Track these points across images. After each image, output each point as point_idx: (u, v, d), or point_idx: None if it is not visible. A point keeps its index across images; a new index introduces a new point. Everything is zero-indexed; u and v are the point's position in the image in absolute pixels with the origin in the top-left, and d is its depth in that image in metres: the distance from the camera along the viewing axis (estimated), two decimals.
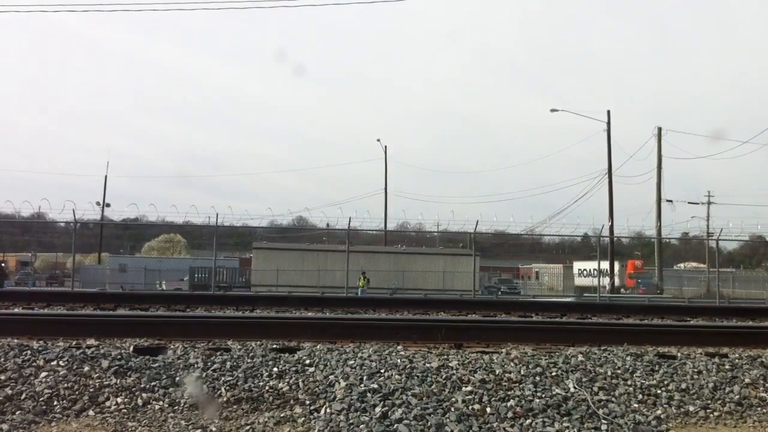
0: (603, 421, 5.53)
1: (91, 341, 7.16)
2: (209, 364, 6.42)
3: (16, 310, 10.96)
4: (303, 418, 5.54)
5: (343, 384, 5.99)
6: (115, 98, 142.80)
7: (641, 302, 27.58)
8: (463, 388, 5.97)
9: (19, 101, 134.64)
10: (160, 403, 5.76)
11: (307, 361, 6.56)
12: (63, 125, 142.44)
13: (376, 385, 5.92)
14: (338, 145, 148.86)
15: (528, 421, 5.48)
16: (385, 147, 52.36)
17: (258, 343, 7.32)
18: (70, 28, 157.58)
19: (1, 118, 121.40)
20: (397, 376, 6.14)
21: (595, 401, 5.87)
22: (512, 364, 6.61)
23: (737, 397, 6.31)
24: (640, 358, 7.09)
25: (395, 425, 5.29)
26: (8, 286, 27.67)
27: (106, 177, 55.80)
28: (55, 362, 6.26)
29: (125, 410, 5.64)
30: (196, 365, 6.37)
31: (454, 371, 6.32)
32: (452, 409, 5.58)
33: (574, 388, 6.10)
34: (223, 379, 6.15)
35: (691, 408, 6.07)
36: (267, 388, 6.04)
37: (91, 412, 5.60)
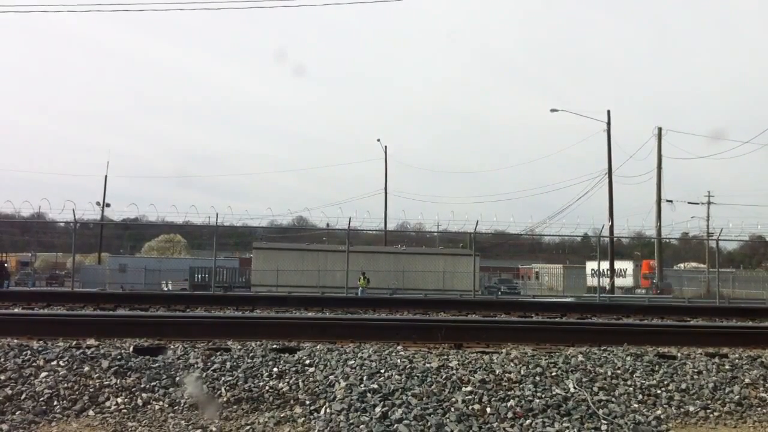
0: (603, 421, 5.54)
1: (91, 341, 7.16)
2: (209, 364, 6.42)
3: (16, 310, 10.96)
4: (303, 418, 5.54)
5: (343, 384, 5.99)
6: (115, 98, 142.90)
7: (641, 302, 27.57)
8: (463, 388, 5.97)
9: (19, 101, 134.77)
10: (160, 403, 5.76)
11: (307, 361, 6.56)
12: (63, 125, 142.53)
13: (376, 385, 5.92)
14: (338, 145, 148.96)
15: (528, 421, 5.48)
16: (385, 147, 52.43)
17: (258, 343, 7.32)
18: (70, 28, 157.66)
19: (1, 118, 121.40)
20: (397, 377, 6.14)
21: (595, 401, 5.87)
22: (512, 365, 6.61)
23: (737, 397, 6.31)
24: (640, 358, 7.09)
25: (395, 425, 5.29)
26: (6, 287, 27.64)
27: (106, 177, 55.87)
28: (55, 362, 6.26)
29: (125, 410, 5.64)
30: (196, 365, 6.37)
31: (454, 371, 6.32)
32: (452, 409, 5.58)
33: (574, 388, 6.10)
34: (223, 379, 6.15)
35: (691, 408, 6.07)
36: (267, 388, 6.04)
37: (91, 412, 5.60)
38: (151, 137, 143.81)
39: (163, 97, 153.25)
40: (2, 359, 6.27)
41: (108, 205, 52.87)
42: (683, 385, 6.43)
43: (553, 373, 6.45)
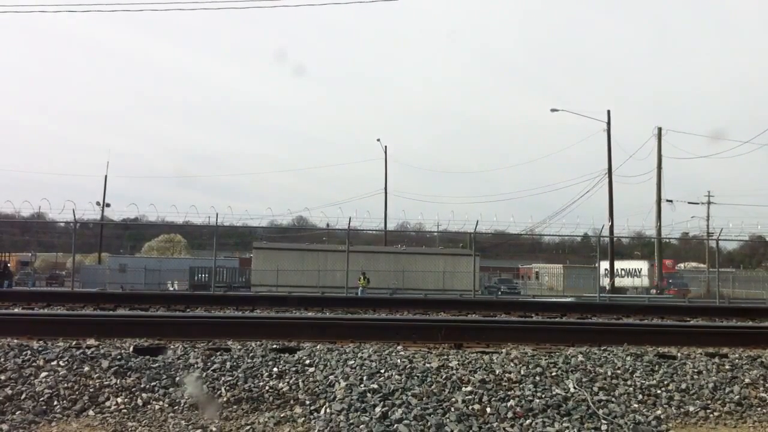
0: (603, 421, 5.54)
1: (91, 341, 7.16)
2: (209, 364, 6.42)
3: (16, 310, 10.96)
4: (303, 418, 5.54)
5: (343, 384, 5.99)
6: (115, 98, 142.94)
7: (641, 302, 27.56)
8: (463, 388, 5.97)
9: (19, 101, 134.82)
10: (160, 403, 5.76)
11: (307, 361, 6.56)
12: (63, 125, 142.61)
13: (376, 385, 5.92)
14: (338, 145, 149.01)
15: (528, 421, 5.48)
16: (385, 147, 52.45)
17: (258, 343, 7.32)
18: (70, 28, 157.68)
19: (1, 118, 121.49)
20: (397, 376, 6.14)
21: (595, 401, 5.87)
22: (512, 364, 6.61)
23: (737, 397, 6.31)
24: (640, 358, 7.09)
25: (395, 425, 5.29)
26: (8, 286, 27.64)
27: (106, 177, 55.88)
28: (55, 362, 6.26)
29: (125, 410, 5.64)
30: (196, 365, 6.37)
31: (454, 371, 6.32)
32: (452, 409, 5.58)
33: (574, 388, 6.10)
34: (223, 379, 6.15)
35: (691, 408, 6.07)
36: (267, 388, 6.04)
37: (91, 412, 5.60)
38: (151, 137, 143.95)
39: (163, 97, 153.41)
40: (2, 359, 6.27)
41: (108, 205, 52.93)
42: (683, 385, 6.43)
43: (553, 373, 6.45)
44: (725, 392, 6.38)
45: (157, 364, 6.34)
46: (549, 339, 8.19)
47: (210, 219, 26.29)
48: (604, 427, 5.45)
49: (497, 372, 6.35)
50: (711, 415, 6.00)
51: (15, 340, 6.93)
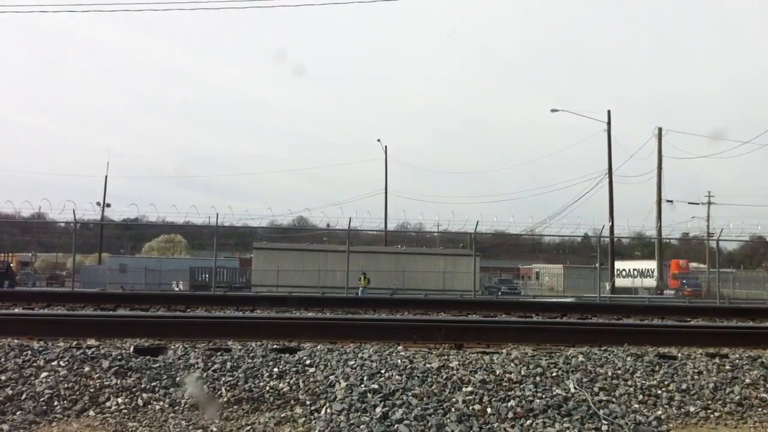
0: (603, 421, 5.53)
1: (92, 341, 7.16)
2: (210, 364, 6.42)
3: (16, 311, 10.96)
4: (303, 419, 5.54)
5: (343, 384, 5.99)
6: (115, 98, 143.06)
7: (641, 302, 27.57)
8: (464, 389, 5.97)
9: (19, 101, 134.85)
10: (161, 403, 5.76)
11: (308, 362, 6.56)
12: (63, 125, 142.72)
13: (376, 386, 5.92)
14: (338, 145, 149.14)
15: (528, 422, 5.48)
16: (385, 147, 52.46)
17: (258, 343, 7.32)
18: (70, 28, 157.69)
19: (1, 118, 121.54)
20: (397, 377, 6.14)
21: (596, 402, 5.87)
22: (513, 365, 6.61)
23: (738, 397, 6.31)
24: (641, 358, 7.09)
25: (396, 425, 5.29)
26: (8, 286, 27.63)
27: (106, 177, 55.92)
28: (55, 362, 6.26)
29: (126, 410, 5.64)
30: (196, 365, 6.37)
31: (455, 372, 6.32)
32: (453, 410, 5.58)
33: (575, 388, 6.10)
34: (223, 379, 6.15)
35: (692, 408, 6.07)
36: (267, 388, 6.04)
37: (91, 413, 5.60)
38: (151, 137, 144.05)
39: (163, 97, 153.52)
40: (3, 359, 6.27)
41: (108, 205, 52.96)
42: (684, 386, 6.43)
43: (554, 374, 6.44)
44: (726, 392, 6.38)
45: (157, 365, 6.34)
46: (549, 339, 8.19)
47: (210, 219, 26.30)
48: (604, 428, 5.45)
49: (498, 372, 6.35)
50: (711, 416, 6.00)
51: (15, 340, 6.93)
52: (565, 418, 5.55)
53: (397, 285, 34.54)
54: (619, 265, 53.43)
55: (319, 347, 7.13)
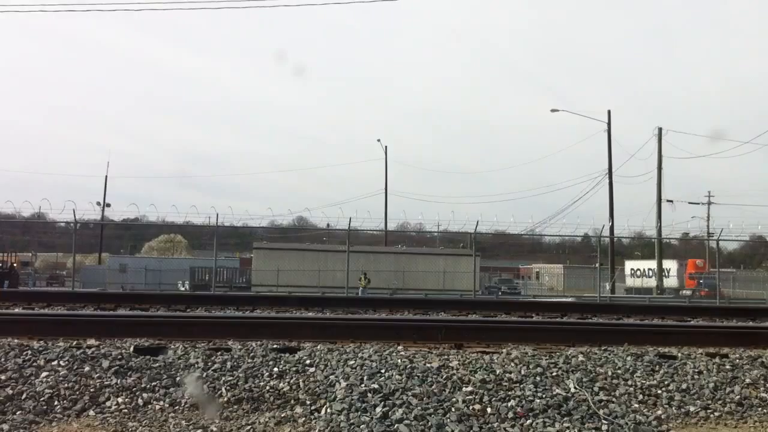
0: (603, 421, 5.53)
1: (92, 341, 7.16)
2: (210, 364, 6.42)
3: (16, 310, 10.96)
4: (304, 418, 5.54)
5: (343, 384, 5.99)
6: (115, 98, 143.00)
7: (641, 302, 27.56)
8: (464, 389, 5.97)
9: (19, 101, 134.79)
10: (161, 403, 5.76)
11: (308, 361, 6.56)
12: (63, 125, 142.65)
13: (376, 385, 5.92)
14: (338, 145, 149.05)
15: (528, 422, 5.48)
16: (385, 147, 52.43)
17: (258, 343, 7.32)
18: (70, 28, 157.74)
19: (1, 118, 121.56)
20: (397, 377, 6.14)
21: (596, 401, 5.87)
22: (513, 365, 6.61)
23: (738, 397, 6.31)
24: (641, 358, 7.09)
25: (396, 425, 5.29)
26: (9, 286, 27.61)
27: (106, 177, 55.89)
28: (55, 362, 6.26)
29: (126, 410, 5.64)
30: (196, 365, 6.37)
31: (455, 371, 6.32)
32: (453, 410, 5.58)
33: (575, 388, 6.10)
34: (223, 379, 6.15)
35: (692, 408, 6.07)
36: (267, 388, 6.04)
37: (91, 412, 5.60)
38: (151, 137, 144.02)
39: (163, 97, 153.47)
40: (3, 359, 6.28)
41: (108, 205, 52.91)
42: (684, 385, 6.43)
43: (554, 373, 6.44)
44: (726, 392, 6.38)
45: (157, 364, 6.34)
46: (549, 339, 8.19)
47: (210, 219, 26.29)
48: (604, 427, 5.45)
49: (498, 372, 6.35)
50: (712, 415, 6.00)
51: (15, 340, 6.93)
52: (565, 418, 5.55)
53: (397, 285, 34.53)
54: (632, 264, 52.51)
55: (319, 347, 7.13)
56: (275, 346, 7.16)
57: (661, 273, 44.81)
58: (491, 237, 46.69)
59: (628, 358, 7.03)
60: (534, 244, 79.40)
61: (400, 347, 7.31)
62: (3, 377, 5.97)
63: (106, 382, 5.97)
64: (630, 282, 49.38)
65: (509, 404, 5.71)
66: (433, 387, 5.98)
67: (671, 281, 50.26)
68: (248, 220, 30.44)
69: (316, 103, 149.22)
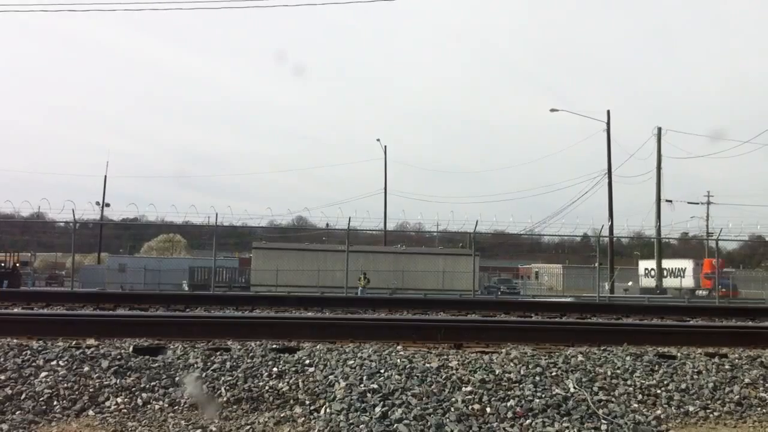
0: (603, 421, 5.54)
1: (91, 341, 7.16)
2: (209, 364, 6.42)
3: (15, 310, 10.95)
4: (303, 418, 5.54)
5: (342, 384, 5.99)
6: (115, 98, 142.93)
7: (641, 302, 27.57)
8: (463, 388, 5.97)
9: (19, 101, 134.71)
10: (160, 402, 5.76)
11: (307, 361, 6.56)
12: (63, 125, 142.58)
13: (375, 385, 5.92)
14: (338, 145, 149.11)
15: (528, 421, 5.48)
16: (385, 147, 52.43)
17: (258, 343, 7.31)
18: (71, 28, 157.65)
19: (1, 118, 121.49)
20: (396, 376, 6.14)
21: (595, 401, 5.88)
22: (512, 364, 6.61)
23: (737, 397, 6.31)
24: (640, 358, 7.09)
25: (395, 425, 5.29)
26: (8, 286, 27.58)
27: (105, 177, 55.90)
28: (54, 362, 6.25)
29: (125, 410, 5.63)
30: (195, 365, 6.37)
31: (454, 371, 6.32)
32: (452, 409, 5.58)
33: (574, 388, 6.10)
34: (222, 379, 6.14)
35: (691, 408, 6.07)
36: (267, 388, 6.04)
37: (91, 412, 5.60)
38: (151, 137, 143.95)
39: (163, 97, 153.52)
40: (2, 359, 6.27)
41: (108, 205, 52.93)
42: (683, 385, 6.43)
43: (553, 373, 6.45)
44: (725, 392, 6.39)
45: (156, 364, 6.34)
46: (549, 339, 8.19)
47: (210, 219, 26.24)
48: (604, 427, 5.45)
49: (497, 372, 6.35)
50: (711, 415, 6.00)
51: (15, 340, 6.92)
52: (565, 418, 5.55)
53: (396, 285, 34.54)
54: (646, 264, 51.13)
55: (318, 347, 7.13)
56: (274, 346, 7.16)
57: (660, 273, 44.82)
58: (490, 237, 46.66)
59: (628, 358, 7.04)
60: (533, 243, 79.51)
61: (399, 347, 7.31)
62: (2, 377, 5.96)
63: (105, 382, 5.97)
64: (645, 282, 48.01)
65: (508, 404, 5.71)
66: (432, 387, 5.98)
67: (687, 281, 48.85)
68: (247, 219, 30.49)
69: (316, 103, 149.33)
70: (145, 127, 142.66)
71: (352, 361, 6.54)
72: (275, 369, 6.35)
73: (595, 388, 6.18)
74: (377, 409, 5.51)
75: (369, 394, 5.77)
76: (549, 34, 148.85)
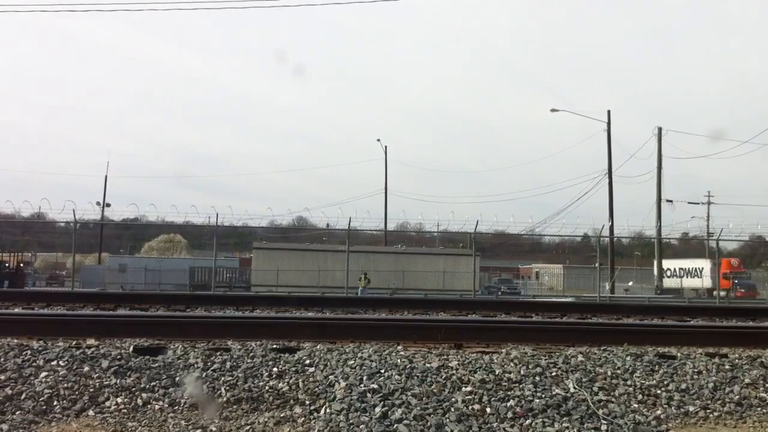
0: (603, 421, 5.53)
1: (91, 341, 7.16)
2: (209, 364, 6.42)
3: (16, 310, 10.96)
4: (303, 418, 5.54)
5: (343, 384, 5.99)
6: (115, 98, 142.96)
7: (641, 302, 27.57)
8: (463, 388, 5.97)
9: (19, 101, 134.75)
10: (160, 403, 5.76)
11: (307, 361, 6.56)
12: (63, 125, 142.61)
13: (376, 385, 5.92)
14: (338, 145, 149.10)
15: (528, 421, 5.48)
16: (385, 147, 52.47)
17: (258, 343, 7.32)
18: (70, 28, 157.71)
19: (1, 118, 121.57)
20: (397, 376, 6.14)
21: (595, 401, 5.87)
22: (512, 365, 6.61)
23: (737, 397, 6.31)
24: (640, 358, 7.09)
25: (395, 425, 5.29)
26: (8, 286, 27.60)
27: (106, 177, 55.93)
28: (55, 362, 6.26)
29: (125, 410, 5.64)
30: (196, 365, 6.37)
31: (454, 371, 6.32)
32: (452, 410, 5.58)
33: (574, 388, 6.10)
34: (223, 379, 6.15)
35: (691, 408, 6.07)
36: (267, 388, 6.04)
37: (91, 412, 5.60)
38: (151, 137, 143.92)
39: (163, 97, 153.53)
40: (2, 359, 6.27)
41: (108, 205, 52.95)
42: (683, 385, 6.43)
43: (553, 373, 6.45)
44: (725, 392, 6.38)
45: (157, 364, 6.34)
46: (549, 339, 8.19)
47: (210, 219, 26.29)
48: (604, 427, 5.45)
49: (497, 372, 6.35)
50: (711, 415, 6.00)
51: (15, 340, 6.93)
52: (565, 418, 5.55)
53: (396, 285, 34.55)
54: (671, 263, 49.45)
55: (318, 347, 7.13)
56: (275, 346, 7.16)
57: (660, 273, 44.79)
58: (491, 237, 46.63)
59: (628, 358, 7.03)
60: (534, 244, 79.39)
61: (399, 347, 7.31)
62: (2, 377, 5.96)
63: (105, 382, 5.97)
64: (668, 282, 46.90)
65: (508, 404, 5.71)
66: (432, 387, 5.98)
67: (705, 281, 47.16)
68: (248, 220, 30.48)
69: (316, 103, 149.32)
70: (145, 127, 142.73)
71: (352, 361, 6.54)
72: (275, 369, 6.35)
73: (595, 388, 6.18)
74: (377, 409, 5.51)
75: (369, 394, 5.77)
76: (549, 34, 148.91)
